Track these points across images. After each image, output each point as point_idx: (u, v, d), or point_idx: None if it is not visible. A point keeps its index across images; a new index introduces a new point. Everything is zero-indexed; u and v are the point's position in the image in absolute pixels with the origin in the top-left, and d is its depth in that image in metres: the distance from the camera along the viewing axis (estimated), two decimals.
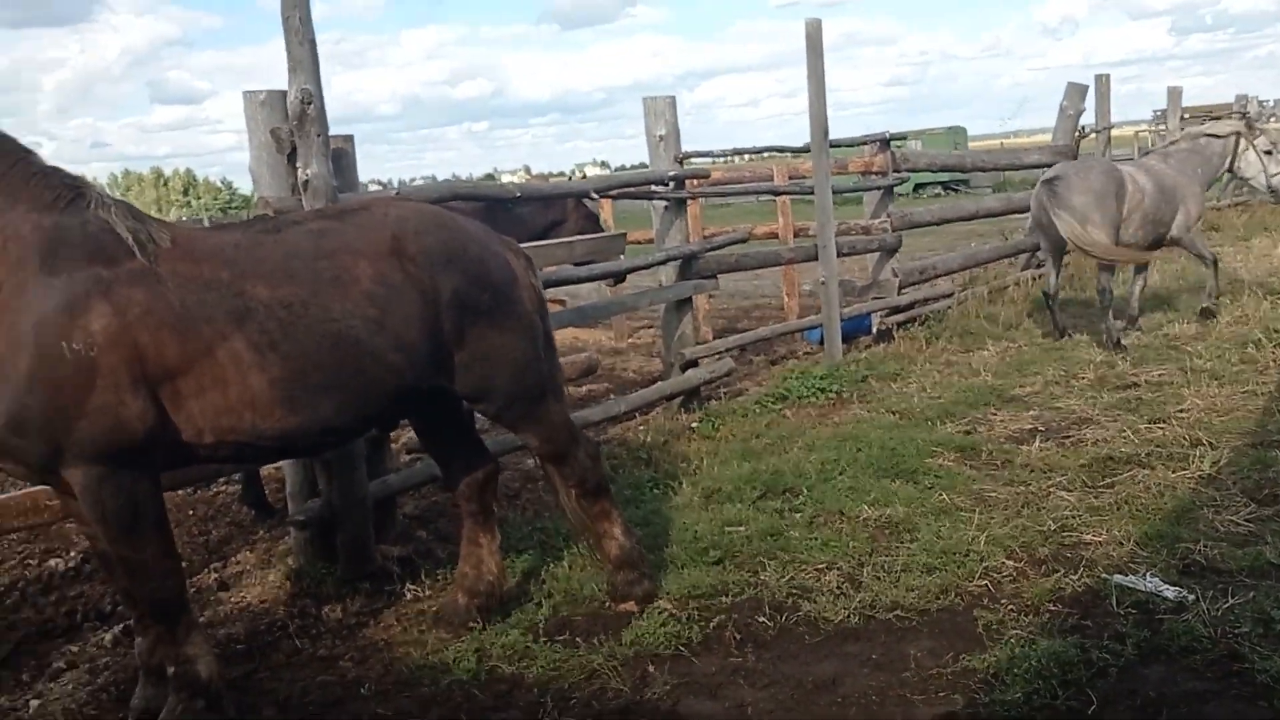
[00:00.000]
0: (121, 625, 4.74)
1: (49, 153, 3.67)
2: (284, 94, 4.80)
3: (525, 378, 4.23)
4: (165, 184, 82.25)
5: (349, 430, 4.02)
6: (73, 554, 5.93)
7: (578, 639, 4.34)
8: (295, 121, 4.72)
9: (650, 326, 13.08)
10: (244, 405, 3.57)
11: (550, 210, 7.27)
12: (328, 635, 4.62)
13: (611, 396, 8.42)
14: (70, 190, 3.50)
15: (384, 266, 3.85)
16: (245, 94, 4.83)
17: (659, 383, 7.88)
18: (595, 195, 6.53)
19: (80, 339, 3.31)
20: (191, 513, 6.61)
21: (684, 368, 7.87)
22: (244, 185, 79.99)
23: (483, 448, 4.69)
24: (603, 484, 4.60)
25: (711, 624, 4.36)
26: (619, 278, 7.88)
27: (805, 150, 9.25)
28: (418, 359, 3.92)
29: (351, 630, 4.66)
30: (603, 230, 7.64)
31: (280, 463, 5.49)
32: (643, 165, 7.76)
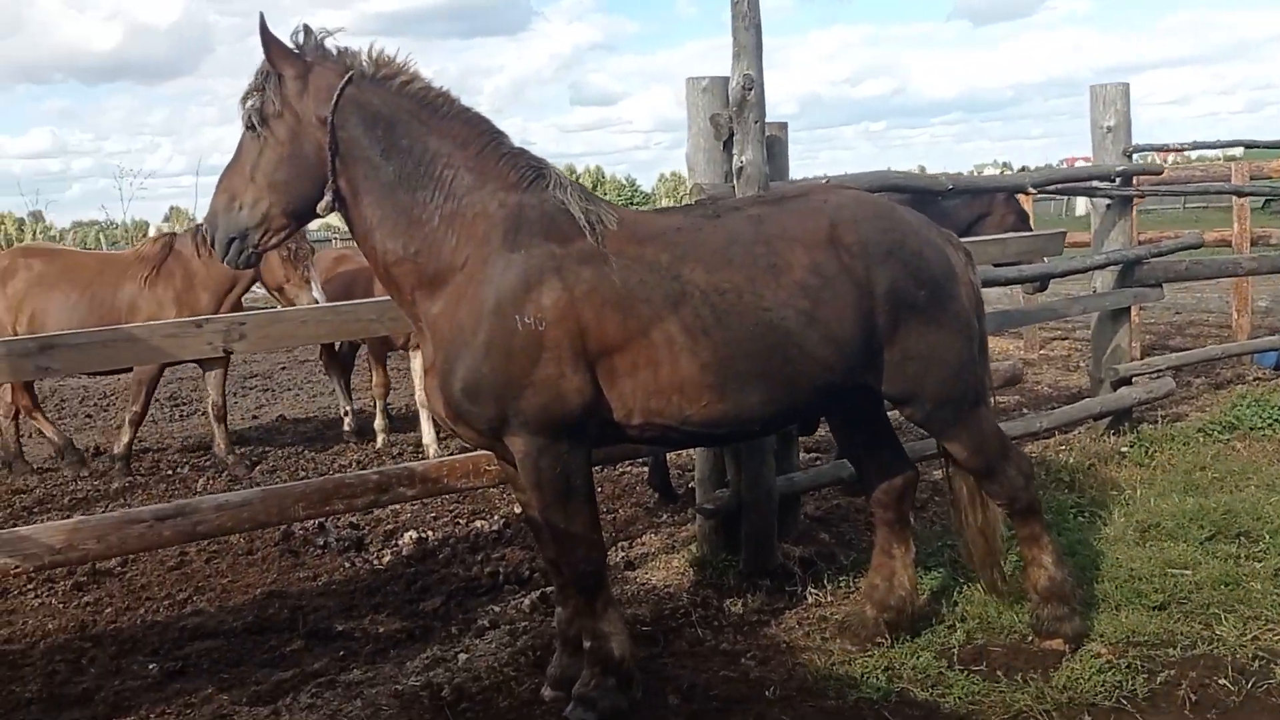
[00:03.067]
0: (539, 591, 4.96)
1: None
2: (726, 80, 4.78)
3: (958, 381, 3.91)
4: (576, 180, 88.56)
5: (771, 422, 3.91)
6: (496, 518, 6.35)
7: (997, 672, 3.98)
8: (735, 107, 4.68)
9: (1064, 338, 12.12)
10: (673, 388, 3.56)
11: (976, 204, 6.80)
12: (729, 629, 4.55)
13: (1025, 410, 7.81)
14: (533, 171, 3.64)
15: (820, 255, 3.69)
16: (689, 80, 4.87)
17: (1085, 400, 7.18)
18: (1033, 189, 6.03)
19: (532, 313, 3.43)
20: (599, 490, 6.86)
21: (1115, 385, 7.11)
22: (645, 183, 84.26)
23: (903, 453, 4.42)
24: (1034, 506, 4.18)
25: (1158, 678, 3.83)
26: (1041, 284, 7.26)
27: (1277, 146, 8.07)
28: (847, 354, 3.73)
29: (753, 627, 4.56)
30: (1029, 228, 7.05)
31: (690, 449, 5.52)
32: (1047, 166, 7.09)
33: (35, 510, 7.46)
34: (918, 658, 4.10)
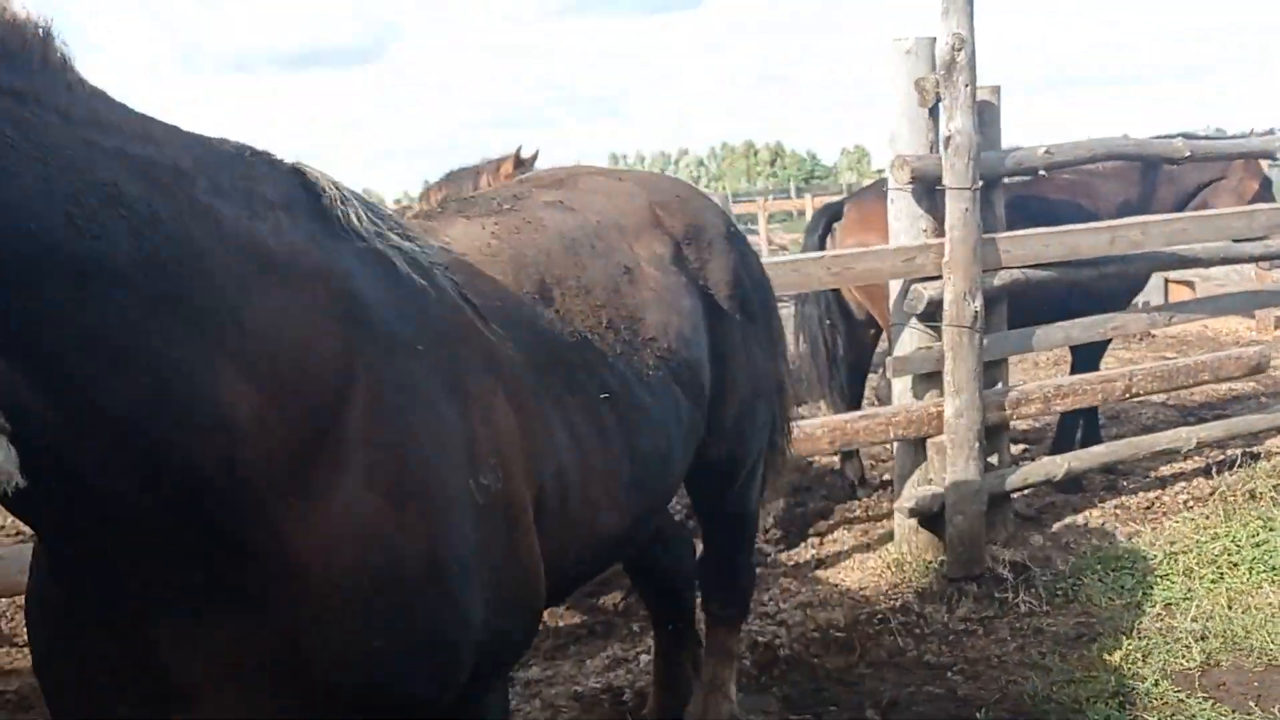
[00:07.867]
0: None
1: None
2: (931, 41, 4.39)
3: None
4: (755, 155, 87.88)
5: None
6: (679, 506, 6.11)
7: (1249, 702, 3.54)
8: (943, 70, 4.28)
9: None
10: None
11: (1210, 166, 5.95)
12: (933, 638, 4.21)
13: (1265, 399, 7.06)
14: (299, 189, 1.74)
15: (655, 245, 2.66)
16: (890, 42, 4.49)
17: None
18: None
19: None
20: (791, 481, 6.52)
21: None
22: (826, 157, 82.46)
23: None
24: None
25: None
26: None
27: None
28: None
29: (959, 637, 4.21)
30: (1272, 197, 6.21)
31: (892, 444, 5.12)
32: None
33: None
34: (1152, 683, 3.67)
